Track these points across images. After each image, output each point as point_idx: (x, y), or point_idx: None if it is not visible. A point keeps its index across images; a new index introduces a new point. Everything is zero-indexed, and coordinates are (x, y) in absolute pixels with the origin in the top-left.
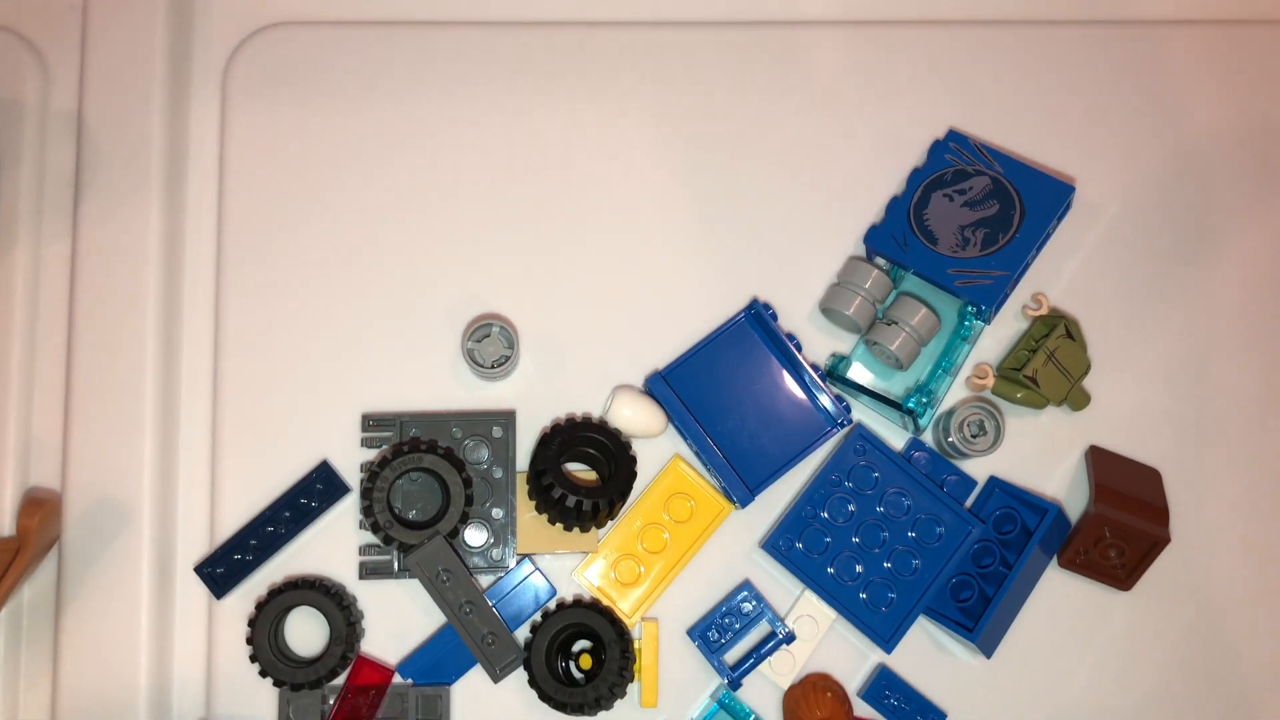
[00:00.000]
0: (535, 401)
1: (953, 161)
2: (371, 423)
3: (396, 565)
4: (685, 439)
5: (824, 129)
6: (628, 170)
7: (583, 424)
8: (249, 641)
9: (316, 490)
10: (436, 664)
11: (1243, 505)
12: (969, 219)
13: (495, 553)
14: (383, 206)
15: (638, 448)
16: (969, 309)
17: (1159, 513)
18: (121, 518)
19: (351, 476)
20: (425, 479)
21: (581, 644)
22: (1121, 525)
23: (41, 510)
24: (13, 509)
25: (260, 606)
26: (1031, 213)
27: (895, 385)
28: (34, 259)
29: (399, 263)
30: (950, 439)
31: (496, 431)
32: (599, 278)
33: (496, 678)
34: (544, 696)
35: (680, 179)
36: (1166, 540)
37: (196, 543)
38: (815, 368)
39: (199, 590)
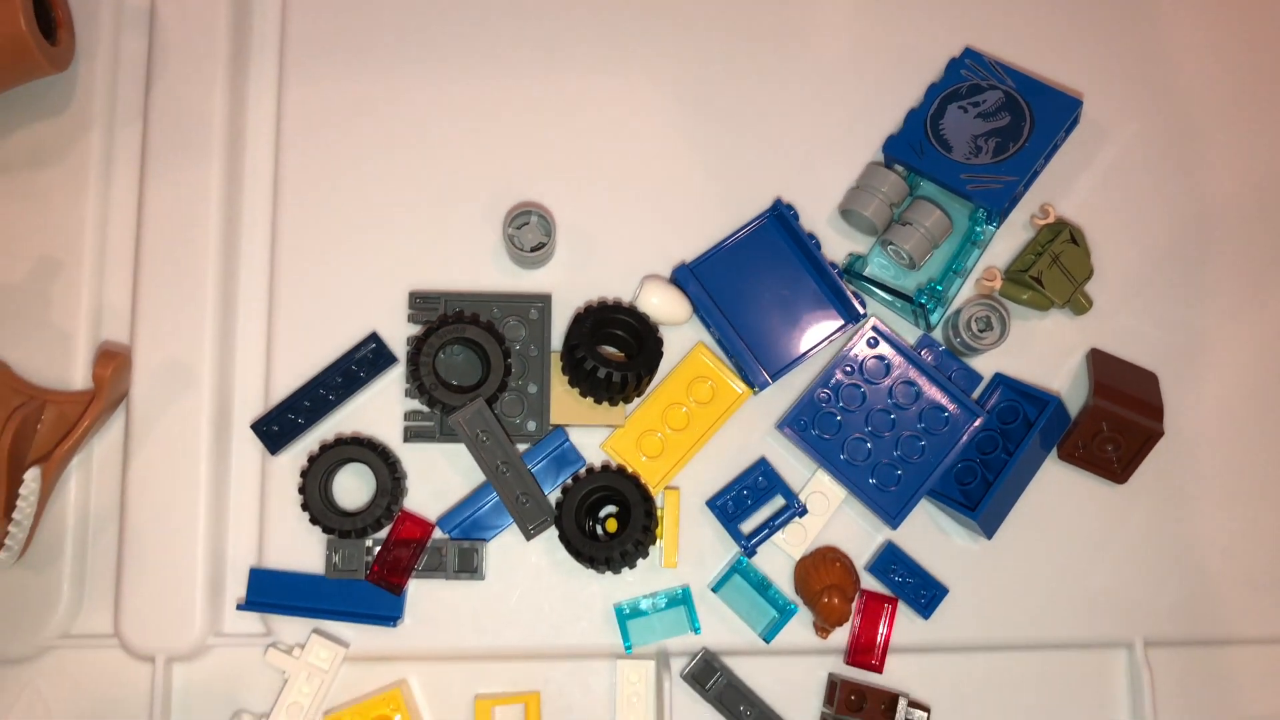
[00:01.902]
0: (569, 288)
1: (968, 77)
2: (419, 300)
3: (438, 430)
4: (708, 327)
5: (849, 45)
6: (664, 73)
7: (614, 306)
8: (301, 492)
9: (366, 359)
10: (473, 521)
11: (1232, 410)
12: (982, 129)
13: (530, 424)
14: (433, 97)
15: (663, 335)
16: (980, 214)
17: (1154, 409)
18: (185, 378)
19: (398, 350)
20: (467, 355)
21: (607, 509)
22: (1118, 418)
23: (114, 362)
24: (85, 369)
25: (313, 460)
26: (1041, 124)
27: (908, 284)
28: (108, 139)
29: (446, 152)
30: (959, 335)
31: (533, 314)
32: (632, 175)
33: (529, 535)
34: (573, 551)
35: (714, 85)
36: (1160, 434)
37: (252, 404)
38: (833, 265)
39: (253, 448)
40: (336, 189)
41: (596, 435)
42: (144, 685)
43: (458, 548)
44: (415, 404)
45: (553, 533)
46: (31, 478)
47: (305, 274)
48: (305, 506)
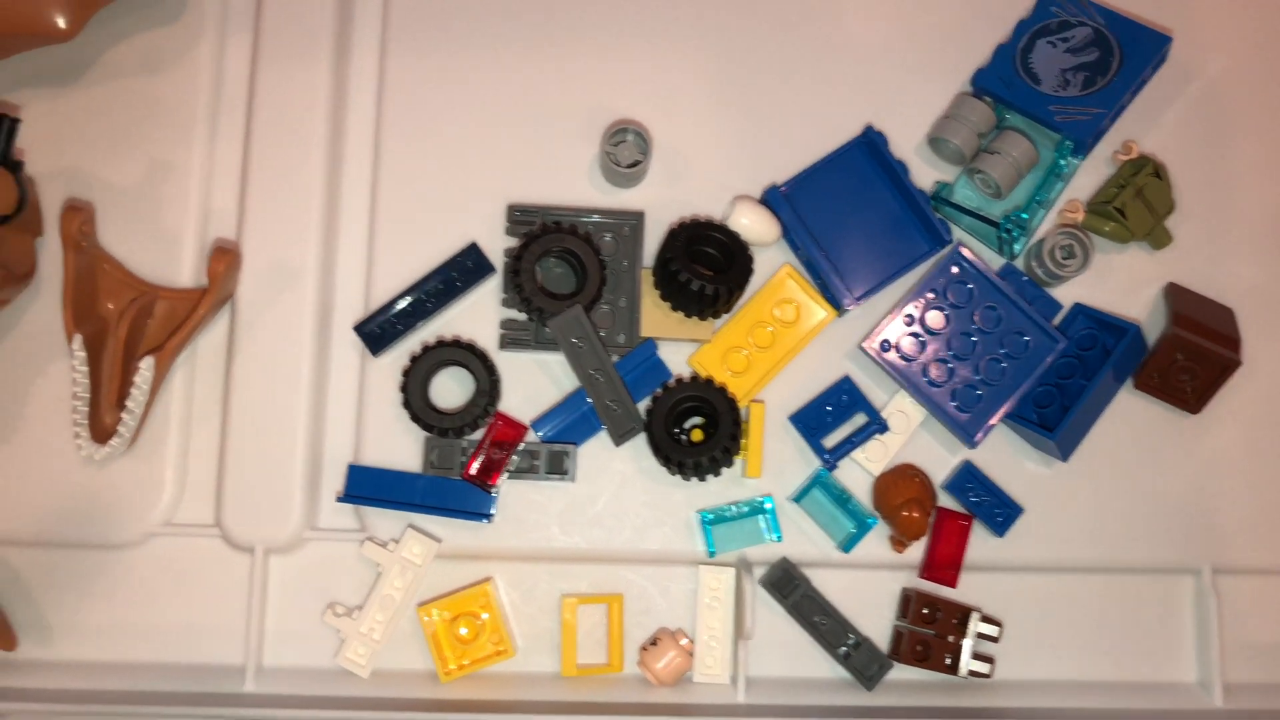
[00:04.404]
0: (660, 207)
1: (1057, 14)
2: (517, 213)
3: (533, 338)
4: (795, 249)
5: None
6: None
7: (707, 223)
8: (403, 390)
9: (465, 267)
10: (565, 426)
11: None
12: (1070, 63)
13: (620, 335)
14: (537, 13)
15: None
16: (1065, 146)
17: (1231, 341)
18: (289, 279)
19: (494, 261)
20: (563, 267)
21: (693, 420)
22: (1195, 348)
23: (228, 259)
24: (192, 269)
25: (415, 360)
26: (1129, 59)
27: (994, 211)
28: (219, 46)
29: (546, 69)
30: (1042, 263)
31: (625, 230)
32: (724, 98)
33: (618, 441)
34: (661, 456)
35: (809, 12)
36: (1237, 364)
37: (352, 308)
38: (920, 192)
39: (352, 349)
40: (439, 102)
41: (683, 350)
42: (242, 575)
43: (549, 450)
44: (510, 313)
45: (638, 441)
46: (146, 366)
47: (406, 184)
48: (406, 405)
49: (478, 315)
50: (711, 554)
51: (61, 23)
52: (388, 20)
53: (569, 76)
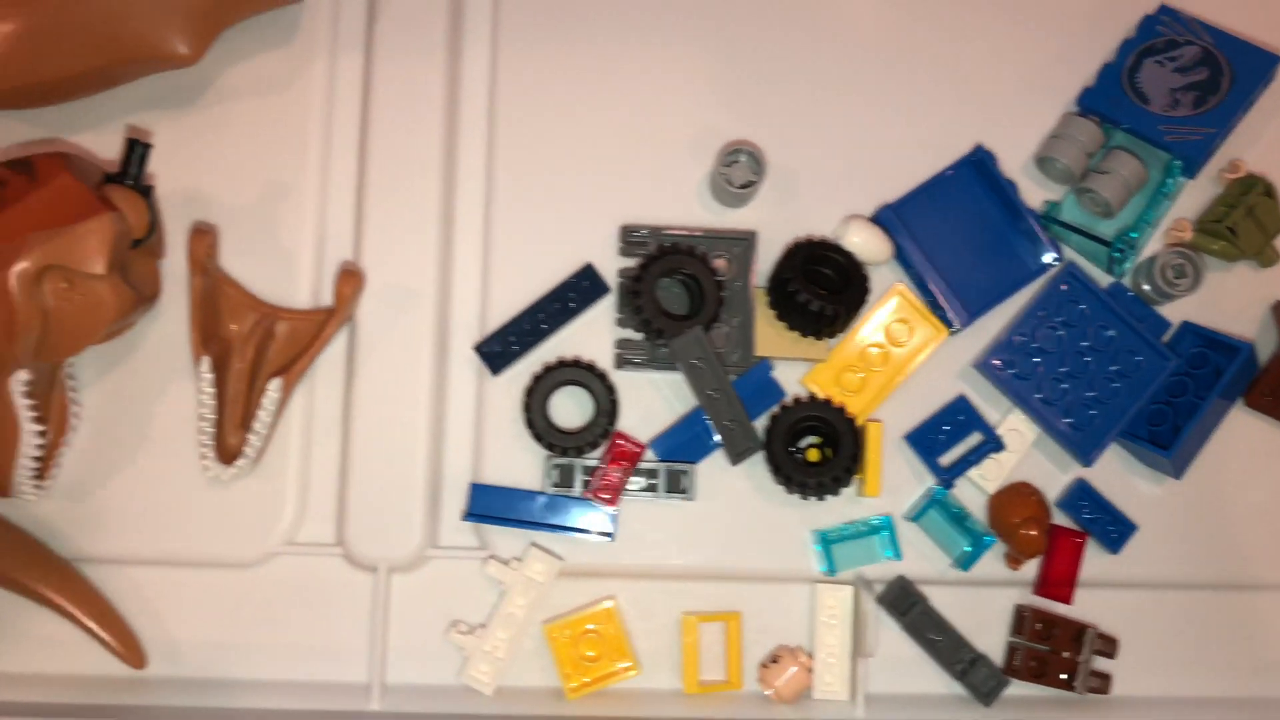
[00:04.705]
0: (770, 227)
1: (1163, 32)
2: (631, 234)
3: (648, 357)
4: (906, 268)
5: (1041, 1)
6: (865, 19)
7: (824, 244)
8: (526, 410)
9: (582, 288)
10: (682, 445)
11: None
12: (1179, 83)
13: (734, 355)
14: (645, 36)
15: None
16: (1175, 164)
17: None
18: (407, 300)
19: (606, 281)
20: (676, 288)
21: (808, 440)
22: None
23: (355, 281)
24: (308, 289)
25: (538, 379)
26: (1240, 79)
27: (1106, 231)
28: (330, 70)
29: (654, 90)
30: (1152, 282)
31: (737, 249)
32: (833, 116)
33: (735, 460)
34: (783, 476)
35: (912, 37)
36: None
37: (468, 328)
38: (1030, 211)
39: (469, 369)
40: (551, 122)
41: (792, 370)
42: (365, 593)
43: (668, 469)
44: (624, 332)
45: (751, 459)
46: (274, 388)
47: (518, 205)
48: (529, 424)
49: (590, 335)
50: (832, 573)
51: (184, 49)
52: (498, 41)
53: (679, 97)
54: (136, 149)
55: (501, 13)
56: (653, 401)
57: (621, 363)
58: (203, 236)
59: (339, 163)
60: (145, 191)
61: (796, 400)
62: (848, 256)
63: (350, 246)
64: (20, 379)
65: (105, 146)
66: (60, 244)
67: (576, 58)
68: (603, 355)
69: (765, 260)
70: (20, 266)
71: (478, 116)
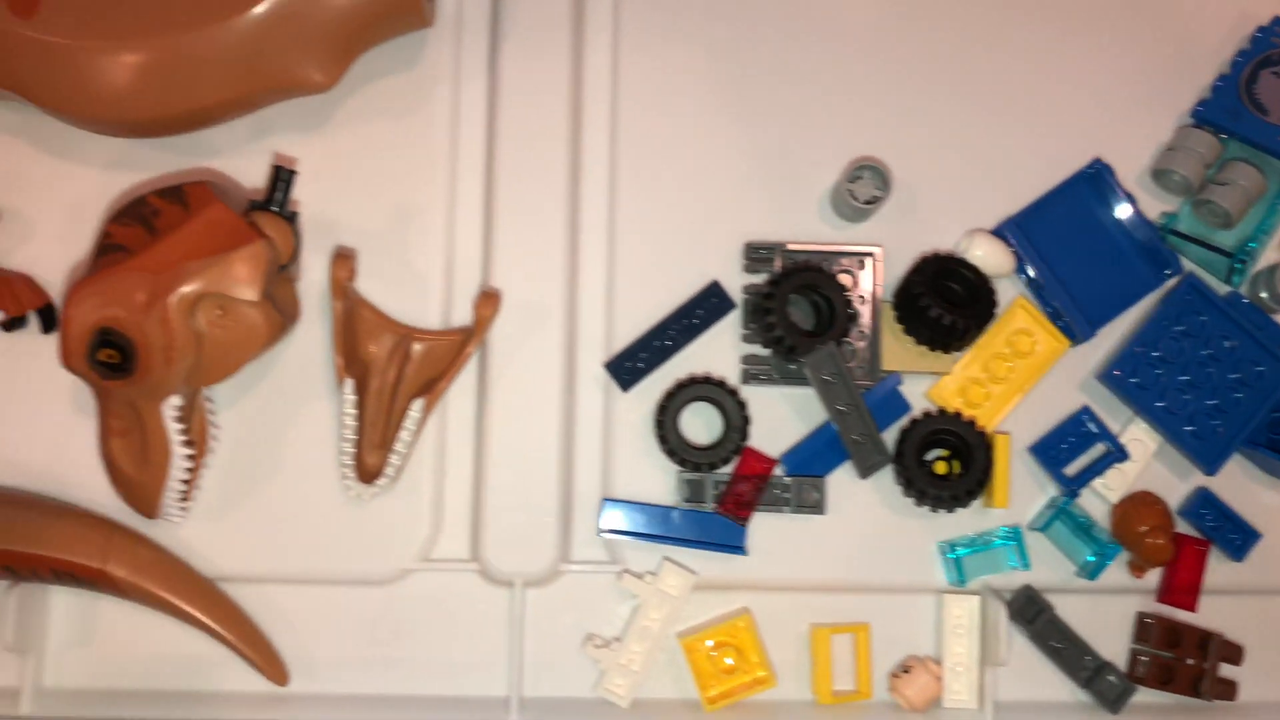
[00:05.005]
0: (892, 242)
1: (1278, 44)
2: (755, 251)
3: (774, 373)
4: (1027, 280)
5: (1153, 17)
6: (985, 39)
7: (951, 258)
8: (659, 426)
9: (709, 304)
10: (812, 459)
11: None
12: None
13: (860, 369)
14: (765, 55)
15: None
16: None
17: None
18: (536, 319)
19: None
20: (802, 303)
21: (935, 453)
22: None
23: (493, 303)
24: (439, 310)
25: (670, 396)
26: None
27: (1226, 241)
28: (454, 93)
29: (775, 108)
30: (1271, 291)
31: (863, 264)
32: (953, 131)
33: (864, 474)
34: (915, 490)
35: (1029, 52)
36: None
37: (595, 345)
38: (1149, 223)
39: (596, 386)
40: (671, 142)
41: (916, 384)
42: (501, 608)
43: (800, 483)
44: (749, 348)
45: (886, 471)
46: (416, 409)
47: (643, 223)
48: (663, 440)
49: (716, 351)
50: (962, 584)
51: (320, 77)
52: (619, 63)
53: (801, 115)
54: (282, 176)
55: (622, 33)
56: (775, 416)
57: (747, 378)
58: (344, 261)
59: (466, 184)
60: (290, 218)
61: (927, 414)
62: (976, 271)
63: (479, 267)
64: (172, 404)
65: (239, 169)
66: (215, 272)
67: (697, 79)
68: (725, 370)
69: (890, 275)
70: (178, 294)
71: (601, 135)
